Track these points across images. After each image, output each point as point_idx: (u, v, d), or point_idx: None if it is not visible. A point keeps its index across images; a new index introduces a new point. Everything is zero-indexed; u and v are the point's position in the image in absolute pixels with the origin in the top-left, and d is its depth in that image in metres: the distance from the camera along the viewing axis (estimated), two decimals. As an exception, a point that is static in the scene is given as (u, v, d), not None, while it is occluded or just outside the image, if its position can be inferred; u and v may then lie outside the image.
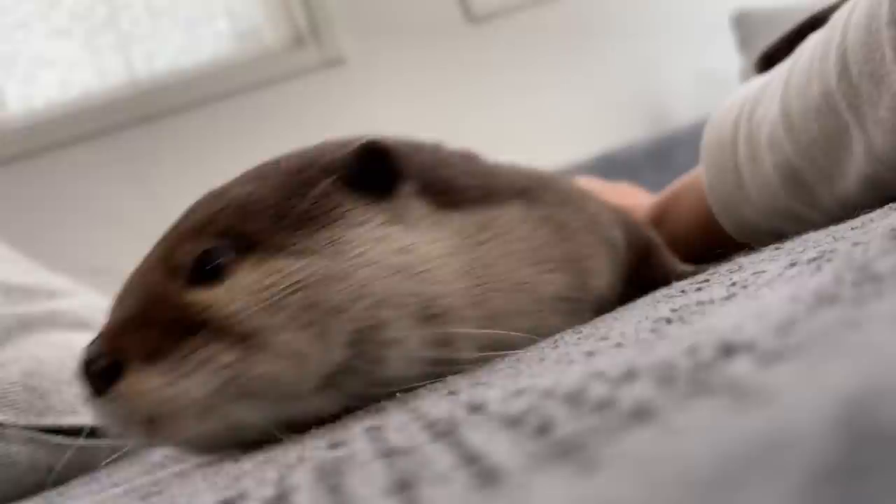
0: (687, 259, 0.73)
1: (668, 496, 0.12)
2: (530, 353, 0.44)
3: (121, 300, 0.46)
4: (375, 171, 0.49)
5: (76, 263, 1.31)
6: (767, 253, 0.49)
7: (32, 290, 0.92)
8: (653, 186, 1.01)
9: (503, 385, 0.33)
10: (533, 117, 2.22)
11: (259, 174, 0.50)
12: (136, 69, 2.11)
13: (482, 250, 0.50)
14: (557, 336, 0.48)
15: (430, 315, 0.46)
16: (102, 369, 0.41)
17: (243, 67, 2.12)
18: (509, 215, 0.53)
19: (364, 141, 0.50)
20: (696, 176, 0.80)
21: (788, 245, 0.50)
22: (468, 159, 0.58)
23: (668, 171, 1.15)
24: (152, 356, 0.41)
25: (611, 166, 1.96)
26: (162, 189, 1.78)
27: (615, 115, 2.34)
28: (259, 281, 0.43)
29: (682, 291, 0.47)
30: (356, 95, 2.14)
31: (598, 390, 0.24)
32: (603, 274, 0.59)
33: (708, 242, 0.74)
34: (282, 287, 0.43)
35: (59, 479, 0.74)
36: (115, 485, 0.55)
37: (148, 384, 0.40)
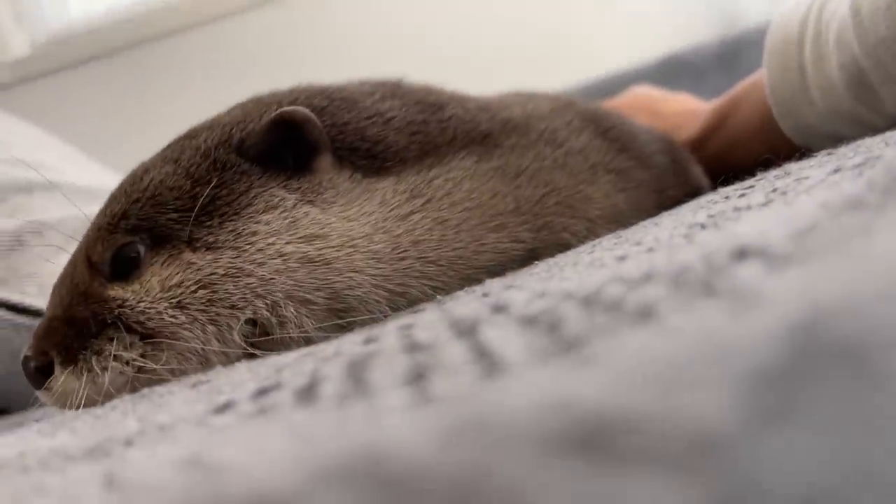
0: (745, 166, 0.71)
1: (637, 392, 0.13)
2: (568, 258, 0.44)
3: (54, 295, 0.48)
4: (291, 144, 0.47)
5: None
6: (817, 159, 0.48)
7: (99, 191, 0.95)
8: (720, 90, 0.97)
9: (532, 288, 0.34)
10: (597, 18, 2.14)
11: (176, 153, 0.48)
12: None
13: (410, 223, 0.47)
14: (595, 241, 0.48)
15: (336, 309, 0.45)
16: (35, 369, 0.45)
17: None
18: (449, 174, 0.50)
19: (276, 113, 0.47)
20: (757, 79, 0.77)
21: (841, 150, 0.48)
22: (421, 105, 0.53)
23: (736, 73, 1.11)
24: (70, 357, 0.44)
25: (677, 68, 1.89)
26: (224, 91, 1.80)
27: (683, 14, 2.24)
28: (169, 278, 0.44)
29: (726, 197, 0.46)
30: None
31: (613, 292, 0.24)
32: (597, 199, 0.55)
33: (767, 148, 0.72)
34: (188, 284, 0.43)
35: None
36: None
37: (70, 385, 0.43)
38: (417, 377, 0.22)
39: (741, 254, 0.23)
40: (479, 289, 0.44)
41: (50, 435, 0.32)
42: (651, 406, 0.12)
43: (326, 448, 0.13)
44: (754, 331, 0.13)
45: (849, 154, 0.44)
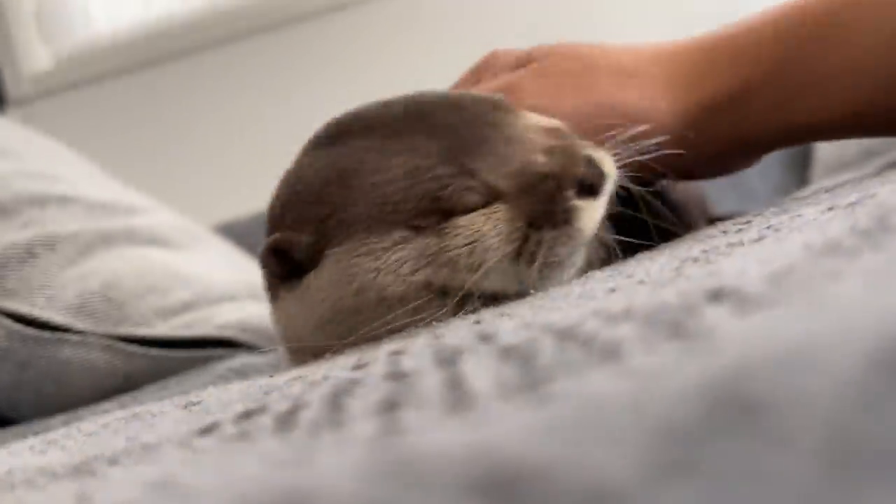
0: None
1: (556, 440, 0.13)
2: (563, 289, 0.45)
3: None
4: None
5: (155, 182, 1.36)
6: (815, 196, 0.48)
7: (112, 206, 0.97)
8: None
9: (521, 317, 0.34)
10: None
11: None
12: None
13: None
14: (590, 273, 0.49)
15: None
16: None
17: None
18: None
19: None
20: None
21: (840, 189, 0.48)
22: None
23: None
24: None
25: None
26: (244, 110, 1.81)
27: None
28: None
29: (724, 231, 0.46)
30: None
31: (589, 327, 0.24)
32: None
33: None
34: None
35: (133, 384, 0.80)
36: (182, 392, 0.59)
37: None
38: (390, 406, 0.22)
39: (717, 294, 0.23)
40: (473, 316, 0.44)
41: (41, 453, 0.33)
42: (562, 456, 0.12)
43: (265, 485, 0.13)
44: (680, 382, 0.13)
45: (846, 192, 0.44)
